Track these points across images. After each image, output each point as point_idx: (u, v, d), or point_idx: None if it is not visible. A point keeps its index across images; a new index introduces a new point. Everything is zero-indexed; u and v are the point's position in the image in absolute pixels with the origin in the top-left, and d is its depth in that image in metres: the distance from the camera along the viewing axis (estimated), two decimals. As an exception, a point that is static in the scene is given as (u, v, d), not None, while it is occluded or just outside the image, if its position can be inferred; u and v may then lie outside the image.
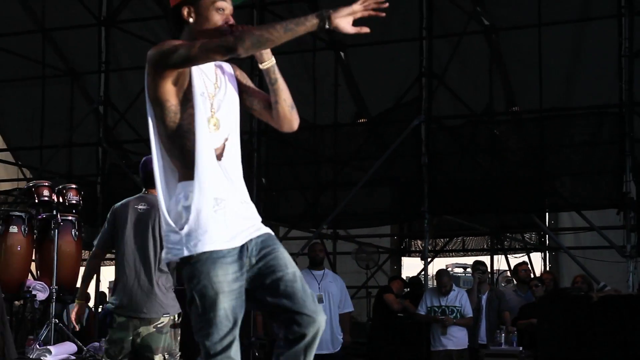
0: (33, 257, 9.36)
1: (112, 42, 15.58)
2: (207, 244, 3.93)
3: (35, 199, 9.41)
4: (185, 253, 3.93)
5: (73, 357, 8.21)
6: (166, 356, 6.94)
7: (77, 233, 9.47)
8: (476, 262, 12.96)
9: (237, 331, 3.99)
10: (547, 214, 15.08)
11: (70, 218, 9.35)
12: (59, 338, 8.59)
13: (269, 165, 14.56)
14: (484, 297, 11.33)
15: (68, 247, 9.23)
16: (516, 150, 13.54)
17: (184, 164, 4.01)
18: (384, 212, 14.93)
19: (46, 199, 9.29)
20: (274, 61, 4.07)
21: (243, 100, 4.23)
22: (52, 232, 9.07)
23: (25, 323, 8.97)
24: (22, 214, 9.36)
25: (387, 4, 3.83)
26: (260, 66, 4.05)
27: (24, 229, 9.23)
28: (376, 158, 13.52)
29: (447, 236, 16.69)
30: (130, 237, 6.81)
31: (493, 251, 16.61)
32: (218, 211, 3.98)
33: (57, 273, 8.91)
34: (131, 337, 6.77)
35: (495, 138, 13.71)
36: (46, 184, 9.57)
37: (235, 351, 4.00)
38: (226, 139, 4.12)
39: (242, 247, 4.03)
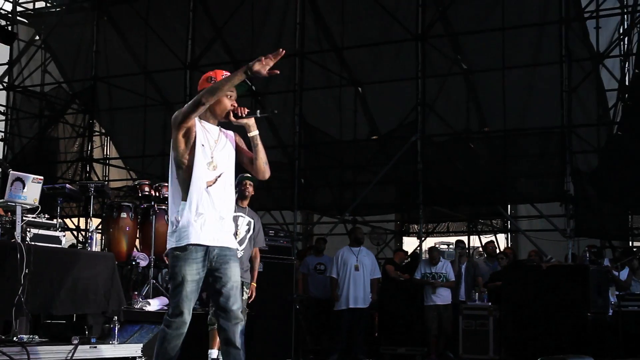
0: (137, 235, 9.38)
1: (194, 80, 15.66)
2: (185, 239, 4.42)
3: (139, 193, 9.46)
4: (173, 245, 4.47)
5: (165, 307, 8.22)
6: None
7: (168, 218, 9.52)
8: (458, 241, 12.93)
9: (191, 305, 4.49)
10: (508, 205, 15.05)
11: (163, 207, 9.39)
12: (155, 294, 8.64)
13: (306, 169, 14.60)
14: (463, 267, 11.29)
15: (162, 228, 9.25)
16: (486, 159, 13.53)
17: (184, 189, 4.48)
18: (390, 204, 14.96)
19: (146, 193, 9.35)
20: (257, 132, 4.59)
21: (237, 155, 4.69)
22: (151, 217, 9.12)
23: (131, 283, 8.99)
24: (130, 204, 9.36)
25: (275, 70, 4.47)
26: (249, 134, 4.58)
27: (131, 215, 9.23)
28: (385, 164, 13.56)
29: (436, 221, 16.70)
30: None
31: (469, 233, 16.63)
32: (197, 220, 4.44)
33: (154, 247, 8.97)
34: None
35: (470, 150, 13.72)
36: (146, 182, 9.59)
37: (187, 316, 4.49)
38: (219, 176, 4.55)
39: (207, 250, 4.48)
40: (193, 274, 4.45)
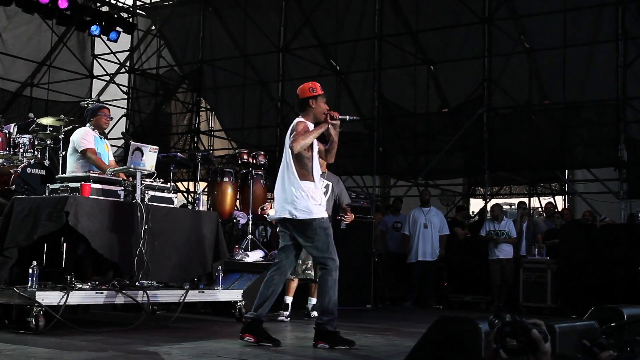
0: (237, 197, 9.51)
1: (286, 62, 15.75)
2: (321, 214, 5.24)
3: (239, 160, 9.61)
4: (315, 215, 5.20)
5: (261, 259, 8.39)
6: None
7: (264, 182, 9.61)
8: (519, 202, 12.74)
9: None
10: (566, 170, 14.69)
11: (260, 172, 9.50)
12: (253, 247, 8.79)
13: (384, 139, 14.56)
14: (524, 225, 11.11)
15: (258, 190, 9.39)
16: (546, 128, 13.24)
17: (309, 173, 5.23)
18: (459, 169, 14.78)
19: (245, 160, 9.48)
20: (338, 131, 5.34)
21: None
22: (249, 181, 9.24)
23: (232, 237, 9.16)
24: (231, 170, 9.49)
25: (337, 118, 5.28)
26: (332, 131, 5.30)
27: (232, 179, 9.36)
28: (454, 134, 13.40)
29: (500, 185, 16.41)
30: None
31: (530, 195, 16.33)
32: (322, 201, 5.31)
33: (252, 207, 9.11)
34: None
35: (531, 121, 13.46)
36: (245, 151, 9.73)
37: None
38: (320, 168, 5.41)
39: None
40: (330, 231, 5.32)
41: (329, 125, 5.24)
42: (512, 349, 2.20)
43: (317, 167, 5.30)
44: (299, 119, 5.29)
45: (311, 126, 5.24)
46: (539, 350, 2.19)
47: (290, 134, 5.20)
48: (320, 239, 5.18)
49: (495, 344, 2.22)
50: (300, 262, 7.31)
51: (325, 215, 5.26)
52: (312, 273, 7.36)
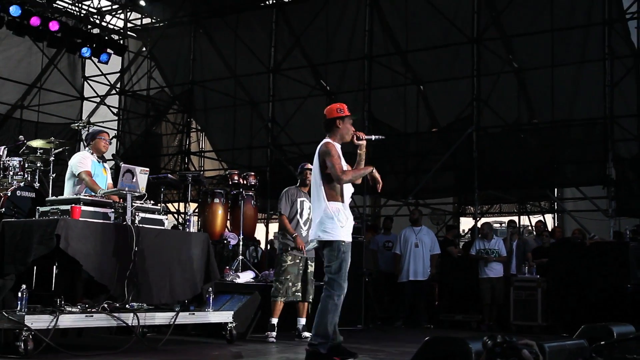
0: (228, 218, 9.51)
1: (276, 82, 15.80)
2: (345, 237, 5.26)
3: (229, 181, 9.60)
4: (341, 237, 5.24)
5: (252, 280, 8.37)
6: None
7: (255, 203, 9.61)
8: (509, 221, 12.78)
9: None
10: (555, 189, 14.75)
11: (250, 193, 9.50)
12: (244, 268, 8.77)
13: (374, 158, 14.55)
14: (515, 243, 11.14)
15: (249, 211, 9.40)
16: (535, 147, 13.31)
17: (338, 194, 5.27)
18: (449, 188, 14.82)
19: (236, 181, 9.48)
20: (364, 152, 5.43)
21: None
22: (240, 202, 9.25)
23: (223, 258, 9.14)
24: (222, 191, 9.50)
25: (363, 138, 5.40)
26: (359, 151, 5.41)
27: (223, 200, 9.37)
28: (444, 154, 13.44)
29: (489, 203, 16.46)
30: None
31: (520, 213, 16.36)
32: (348, 220, 5.30)
33: (243, 228, 9.10)
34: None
35: (521, 139, 13.53)
36: (236, 172, 9.72)
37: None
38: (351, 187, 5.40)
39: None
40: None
41: (356, 144, 5.37)
42: None
43: (347, 189, 5.32)
44: (327, 139, 5.39)
45: (337, 147, 5.34)
46: None
47: (320, 156, 5.30)
48: (335, 261, 5.20)
49: None
50: (290, 284, 7.34)
51: (348, 239, 5.25)
52: (300, 294, 7.39)
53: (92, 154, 6.97)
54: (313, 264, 7.64)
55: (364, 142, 5.39)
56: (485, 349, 2.33)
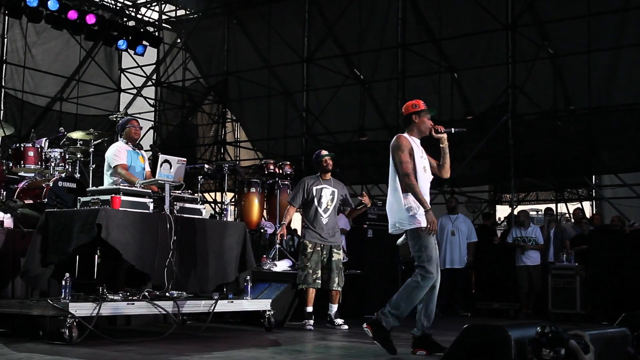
0: (264, 207, 9.51)
1: (310, 72, 15.80)
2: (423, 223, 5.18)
3: (265, 171, 9.63)
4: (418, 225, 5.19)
5: (289, 268, 8.39)
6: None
7: (291, 192, 9.66)
8: (546, 209, 12.62)
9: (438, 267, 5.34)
10: (593, 176, 14.55)
11: (286, 182, 9.50)
12: (281, 257, 8.80)
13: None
14: (552, 231, 11.02)
15: (285, 200, 9.39)
16: (572, 134, 13.13)
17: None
18: (485, 176, 14.71)
19: (272, 171, 9.51)
20: (447, 144, 5.43)
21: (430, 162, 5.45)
22: (276, 191, 9.27)
23: (259, 247, 9.17)
24: (258, 180, 9.50)
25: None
26: (441, 145, 5.42)
27: (259, 190, 9.37)
28: (479, 141, 13.33)
29: (526, 191, 16.28)
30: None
31: (557, 201, 16.17)
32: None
33: (279, 216, 9.13)
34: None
35: (557, 126, 13.35)
36: (271, 161, 9.74)
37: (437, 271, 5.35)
38: (429, 176, 5.37)
39: None
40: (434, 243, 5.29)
41: (436, 138, 5.39)
42: None
43: (423, 179, 5.28)
44: (401, 133, 5.41)
45: (415, 141, 5.34)
46: None
47: (392, 150, 5.31)
48: (416, 248, 5.23)
49: (530, 354, 2.22)
50: (310, 271, 7.32)
51: (424, 224, 5.20)
52: (320, 282, 7.37)
53: (126, 143, 7.01)
54: (340, 252, 7.55)
55: (444, 135, 5.40)
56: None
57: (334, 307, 7.55)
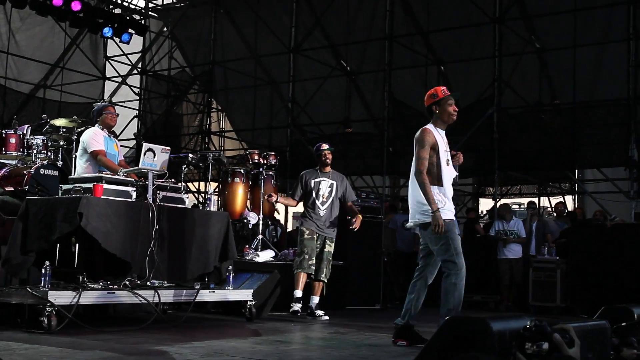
0: (248, 197, 9.49)
1: (297, 62, 15.73)
2: (450, 216, 5.20)
3: (249, 161, 9.59)
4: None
5: (272, 259, 8.38)
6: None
7: (275, 182, 9.62)
8: (529, 202, 12.68)
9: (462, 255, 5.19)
10: (576, 170, 14.63)
11: (270, 173, 9.49)
12: (264, 247, 8.78)
13: (394, 139, 14.51)
14: (534, 225, 11.07)
15: (269, 190, 9.38)
16: (556, 128, 13.17)
17: (437, 179, 5.18)
18: (469, 169, 14.69)
19: (256, 161, 9.46)
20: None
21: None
22: (260, 181, 9.25)
23: (242, 237, 9.14)
24: (242, 170, 9.47)
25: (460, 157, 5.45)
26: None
27: (243, 180, 9.35)
28: (464, 134, 13.32)
29: (509, 184, 16.34)
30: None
31: (540, 194, 16.27)
32: (449, 203, 5.23)
33: (263, 207, 9.11)
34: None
35: (541, 120, 13.40)
36: (256, 151, 9.70)
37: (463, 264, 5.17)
38: (452, 170, 5.32)
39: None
40: (456, 233, 5.24)
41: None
42: (531, 354, 2.17)
43: (446, 172, 5.23)
44: (426, 126, 5.33)
45: (440, 132, 5.28)
46: (562, 355, 2.16)
47: (415, 143, 5.26)
48: (440, 241, 5.15)
49: (513, 349, 2.20)
50: (307, 257, 7.41)
51: (449, 217, 5.17)
52: (314, 269, 7.44)
53: (102, 129, 6.91)
54: (332, 244, 7.64)
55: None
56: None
57: (315, 299, 7.59)
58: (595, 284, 9.25)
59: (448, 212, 5.19)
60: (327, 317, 7.38)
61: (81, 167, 6.79)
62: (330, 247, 7.64)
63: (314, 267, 7.52)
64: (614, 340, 2.80)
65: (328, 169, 7.76)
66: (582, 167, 14.53)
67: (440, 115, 5.30)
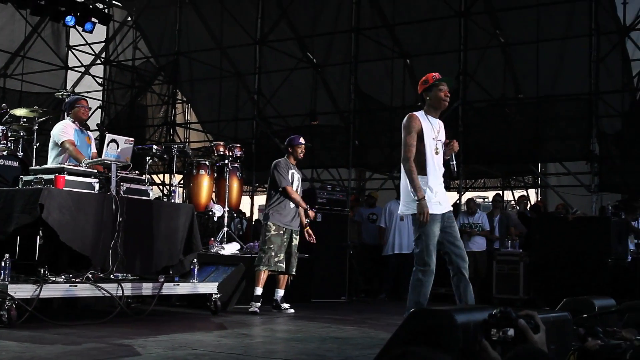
0: (213, 189, 9.45)
1: (263, 54, 15.66)
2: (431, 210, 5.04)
3: (214, 153, 9.52)
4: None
5: (237, 252, 8.34)
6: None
7: (240, 175, 9.58)
8: (496, 195, 12.82)
9: (435, 254, 5.11)
10: (539, 164, 14.82)
11: (236, 165, 9.44)
12: (229, 240, 8.74)
13: (360, 132, 14.54)
14: (497, 218, 11.19)
15: (234, 183, 9.36)
16: (520, 122, 13.31)
17: (420, 167, 5.08)
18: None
19: (221, 153, 9.41)
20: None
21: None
22: (225, 173, 9.20)
23: (208, 230, 9.09)
24: (207, 162, 9.38)
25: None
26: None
27: (208, 172, 9.28)
28: (429, 128, 13.40)
29: (474, 178, 16.48)
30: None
31: (504, 188, 16.42)
32: (437, 194, 5.11)
33: (228, 199, 9.06)
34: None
35: (506, 114, 13.52)
36: (221, 143, 9.64)
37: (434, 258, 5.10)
38: (441, 160, 5.22)
39: (444, 215, 5.12)
40: (435, 230, 5.08)
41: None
42: (497, 340, 2.19)
43: (433, 161, 5.12)
44: (414, 112, 5.23)
45: (428, 119, 5.19)
46: (528, 341, 2.18)
47: (402, 130, 5.16)
48: (416, 234, 5.10)
49: (479, 336, 2.22)
50: (273, 254, 7.32)
51: (433, 211, 5.04)
52: (283, 265, 7.38)
53: (73, 122, 6.86)
54: (298, 237, 7.62)
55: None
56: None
57: (281, 292, 7.56)
58: (557, 277, 9.38)
59: (433, 204, 5.06)
60: (292, 310, 7.36)
61: (52, 160, 6.71)
62: (296, 240, 7.59)
63: (281, 264, 7.39)
64: (580, 331, 2.83)
65: (296, 162, 7.72)
66: (544, 161, 14.72)
67: (431, 102, 5.19)
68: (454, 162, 5.32)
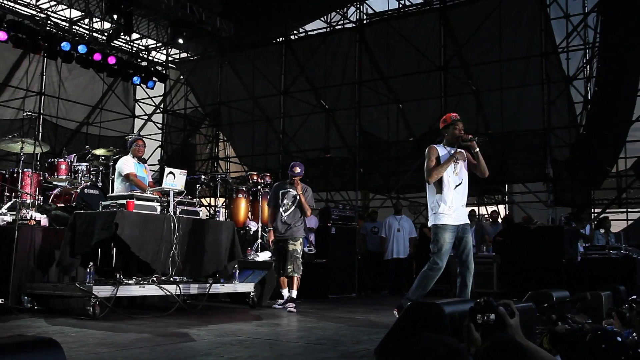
0: (249, 209, 9.47)
1: (286, 102, 15.78)
2: (442, 220, 4.92)
3: (250, 181, 9.56)
4: (434, 222, 4.96)
5: (269, 258, 8.29)
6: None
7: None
8: (471, 210, 12.75)
9: (446, 258, 4.91)
10: (506, 185, 14.76)
11: (267, 190, 9.41)
12: (262, 249, 8.72)
13: (364, 162, 14.58)
14: (473, 228, 11.12)
15: (266, 204, 9.37)
16: (490, 152, 13.18)
17: (438, 186, 4.95)
18: (424, 185, 14.72)
19: (255, 180, 9.44)
20: (478, 149, 5.02)
21: (468, 164, 5.11)
22: (258, 197, 9.20)
23: (245, 241, 9.08)
24: (244, 188, 9.43)
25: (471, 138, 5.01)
26: (472, 151, 5.06)
27: (245, 195, 9.34)
28: (419, 157, 13.36)
29: (455, 196, 16.41)
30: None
31: (478, 204, 16.37)
32: (450, 208, 4.93)
33: (261, 217, 9.06)
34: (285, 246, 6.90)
35: (480, 146, 13.43)
36: (255, 173, 9.69)
37: (443, 265, 4.90)
38: (461, 180, 5.04)
39: (458, 226, 4.95)
40: (449, 240, 4.91)
41: (467, 145, 5.05)
42: (481, 324, 2.21)
43: (449, 182, 4.95)
44: (434, 144, 5.15)
45: (446, 149, 5.06)
46: (505, 324, 2.20)
47: (425, 157, 5.05)
48: (433, 241, 4.97)
49: (466, 321, 2.23)
50: (278, 263, 6.97)
51: (449, 222, 4.90)
52: (290, 270, 6.89)
53: (133, 157, 6.93)
54: (296, 243, 6.94)
55: (472, 143, 5.01)
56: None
57: (285, 292, 6.97)
58: (523, 274, 9.30)
59: (447, 216, 4.92)
60: (294, 310, 6.61)
61: (117, 187, 6.78)
62: (294, 246, 6.86)
63: (287, 269, 6.85)
64: (553, 316, 2.83)
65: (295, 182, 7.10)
66: (510, 182, 14.67)
67: (449, 137, 5.11)
68: (475, 138, 5.12)
